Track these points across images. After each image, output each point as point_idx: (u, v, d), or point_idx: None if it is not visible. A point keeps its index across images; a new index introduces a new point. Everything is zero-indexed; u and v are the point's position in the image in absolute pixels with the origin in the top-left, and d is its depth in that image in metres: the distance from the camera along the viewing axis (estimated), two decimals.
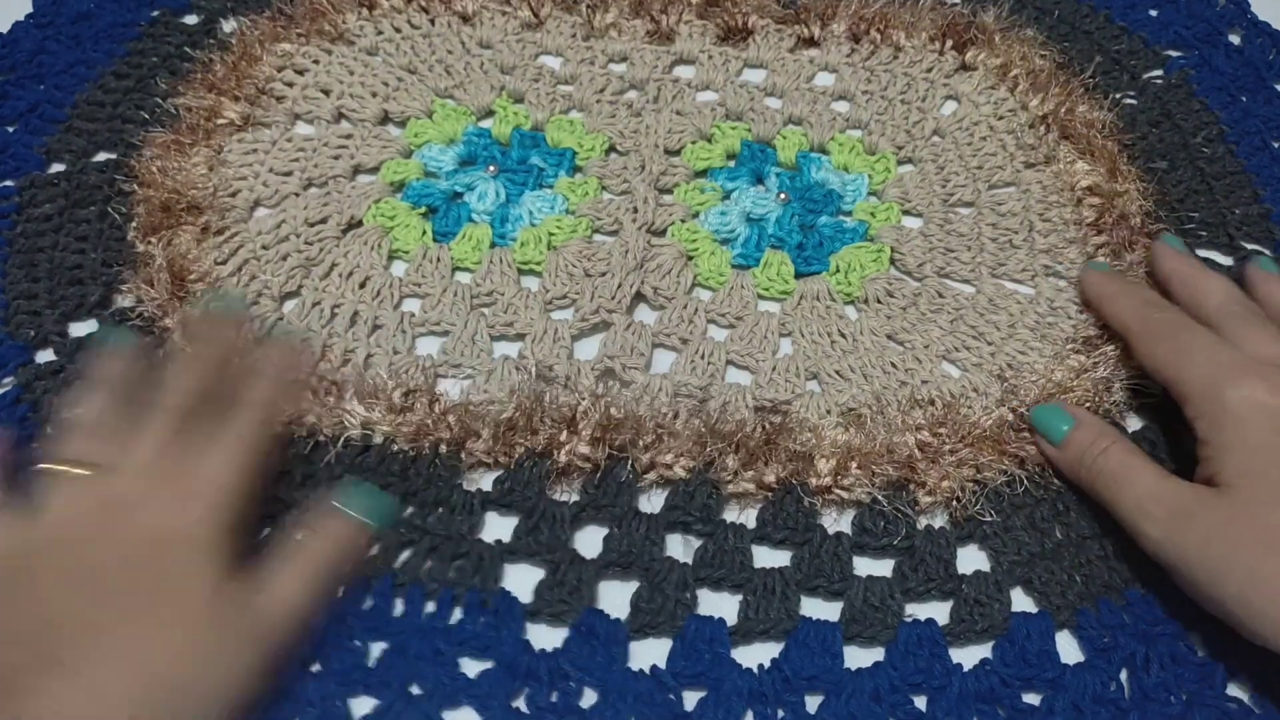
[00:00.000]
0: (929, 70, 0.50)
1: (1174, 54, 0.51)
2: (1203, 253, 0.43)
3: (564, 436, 0.36)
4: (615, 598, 0.34)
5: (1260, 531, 0.30)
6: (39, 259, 0.41)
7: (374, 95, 0.48)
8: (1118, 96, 0.49)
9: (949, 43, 0.51)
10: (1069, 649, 0.33)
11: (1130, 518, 0.33)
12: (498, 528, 0.35)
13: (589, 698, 0.31)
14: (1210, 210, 0.45)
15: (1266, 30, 0.52)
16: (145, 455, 0.31)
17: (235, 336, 0.35)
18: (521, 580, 0.34)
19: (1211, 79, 0.50)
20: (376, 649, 0.32)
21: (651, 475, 0.36)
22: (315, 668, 0.31)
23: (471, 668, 0.32)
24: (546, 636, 0.33)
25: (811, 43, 0.52)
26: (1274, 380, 0.32)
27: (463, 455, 0.36)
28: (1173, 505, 0.32)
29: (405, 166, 0.45)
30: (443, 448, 0.36)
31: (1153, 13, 0.53)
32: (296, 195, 0.43)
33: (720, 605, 0.34)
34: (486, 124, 0.48)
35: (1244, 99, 0.49)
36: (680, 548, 0.35)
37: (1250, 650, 0.31)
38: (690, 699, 0.32)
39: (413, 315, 0.40)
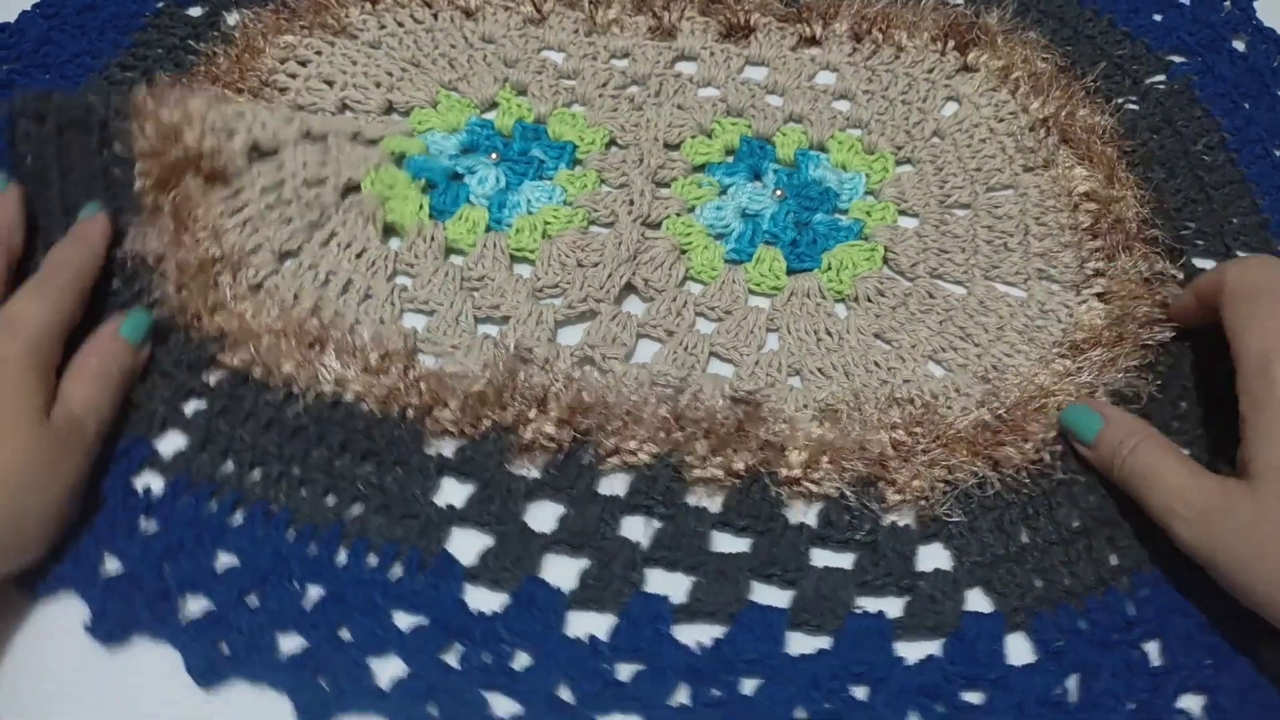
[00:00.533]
0: (930, 71, 0.50)
1: (1177, 59, 0.51)
2: (1199, 261, 0.43)
3: (532, 414, 0.36)
4: (563, 572, 0.34)
5: None
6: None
7: (378, 86, 0.48)
8: (1119, 101, 0.49)
9: (950, 44, 0.51)
10: (1022, 651, 0.33)
11: (1160, 517, 0.33)
12: (453, 493, 0.36)
13: (522, 660, 0.32)
14: (1208, 219, 0.45)
15: (1271, 36, 0.51)
16: None
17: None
18: (469, 546, 0.34)
19: (1214, 85, 0.49)
20: (315, 593, 0.33)
21: (615, 460, 0.36)
22: (251, 600, 0.32)
23: (404, 621, 0.33)
24: (486, 600, 0.33)
25: (813, 41, 0.52)
26: None
27: (428, 421, 0.37)
28: (1201, 504, 0.32)
29: (408, 142, 0.46)
30: (410, 412, 0.37)
31: (1157, 17, 0.53)
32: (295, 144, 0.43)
33: (672, 586, 0.34)
34: (490, 116, 0.48)
35: (1247, 106, 0.49)
36: (642, 529, 0.35)
37: (1213, 662, 0.32)
38: (626, 671, 0.32)
39: (404, 290, 0.41)
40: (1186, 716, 0.32)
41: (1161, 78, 0.50)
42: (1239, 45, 0.52)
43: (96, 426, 0.34)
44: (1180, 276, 0.41)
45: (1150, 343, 0.39)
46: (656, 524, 0.35)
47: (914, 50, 0.51)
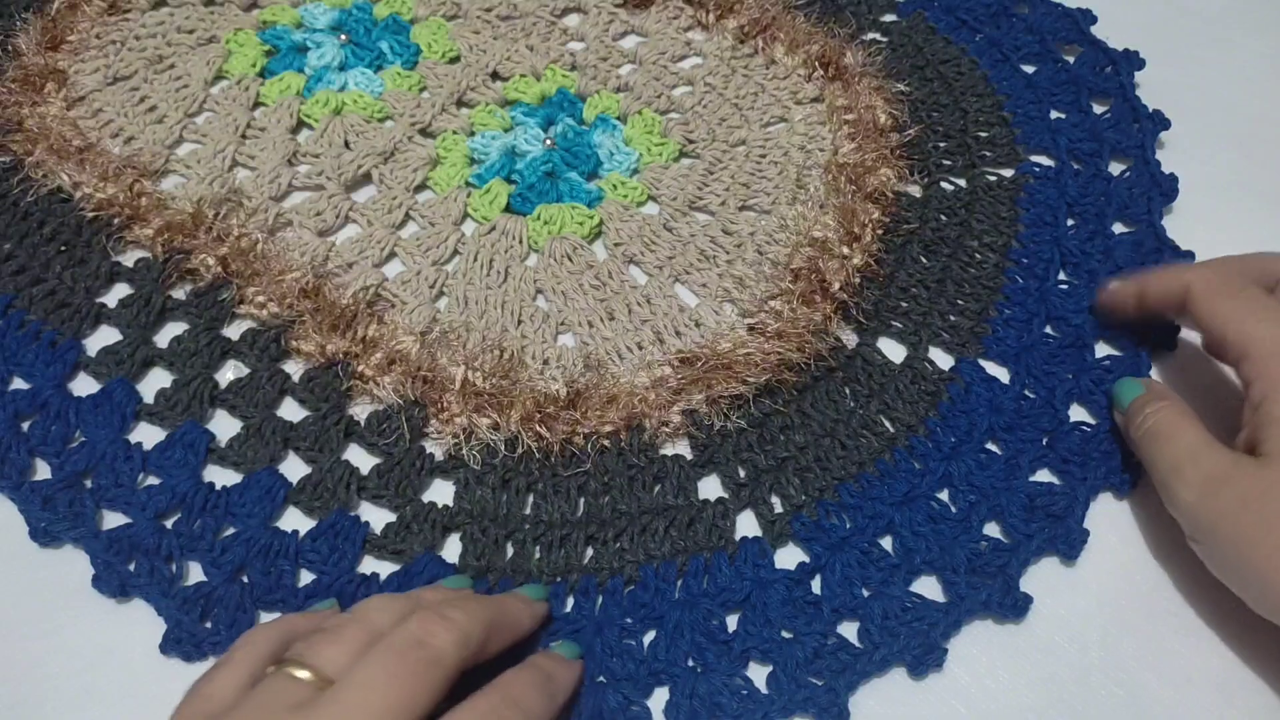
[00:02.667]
0: (781, 89, 0.50)
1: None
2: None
3: (205, 244, 0.42)
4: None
5: None
6: None
7: None
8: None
9: (819, 71, 0.50)
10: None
11: (1165, 477, 0.33)
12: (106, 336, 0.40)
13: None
14: (957, 132, 0.47)
15: None
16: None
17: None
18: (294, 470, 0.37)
19: (946, 18, 0.53)
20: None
21: (244, 308, 0.40)
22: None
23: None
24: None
25: (704, 28, 0.53)
26: None
27: (126, 234, 0.42)
28: (1209, 469, 0.32)
29: (284, 12, 0.52)
30: (116, 221, 0.43)
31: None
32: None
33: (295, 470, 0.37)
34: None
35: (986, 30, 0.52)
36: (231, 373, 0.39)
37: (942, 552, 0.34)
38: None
39: (193, 123, 0.48)
40: (920, 599, 0.33)
41: (893, 17, 0.53)
42: None
43: None
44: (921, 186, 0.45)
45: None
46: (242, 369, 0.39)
47: (785, 66, 0.51)
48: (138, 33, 0.50)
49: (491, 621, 0.29)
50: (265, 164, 0.46)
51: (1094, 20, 0.51)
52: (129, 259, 0.42)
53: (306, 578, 0.34)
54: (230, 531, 0.35)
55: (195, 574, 0.34)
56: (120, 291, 0.41)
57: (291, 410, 0.38)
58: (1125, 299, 0.39)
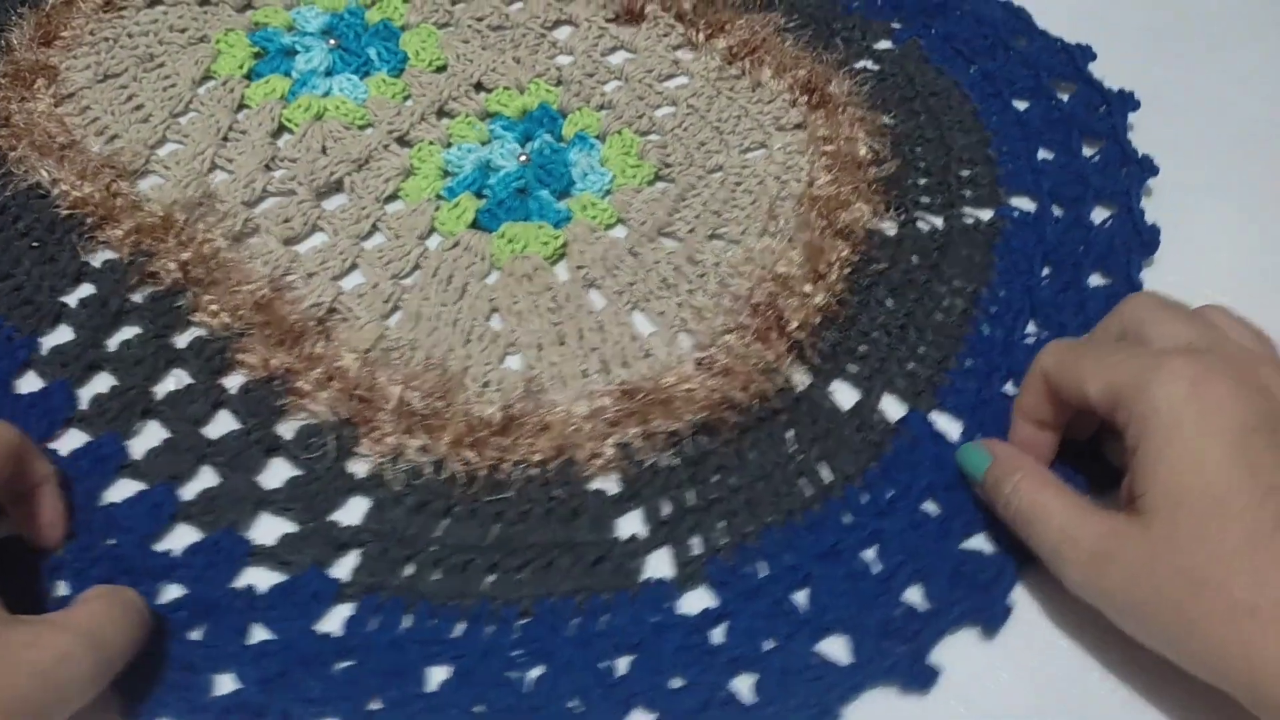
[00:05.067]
0: (765, 113, 0.49)
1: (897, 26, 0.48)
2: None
3: (169, 247, 0.42)
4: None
5: (1184, 573, 0.28)
6: None
7: None
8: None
9: (804, 96, 0.49)
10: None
11: (1048, 561, 0.32)
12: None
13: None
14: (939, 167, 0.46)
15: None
16: None
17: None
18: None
19: (941, 47, 0.51)
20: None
21: (198, 315, 0.40)
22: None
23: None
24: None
25: (693, 47, 0.52)
26: (1197, 369, 0.30)
27: (98, 234, 0.43)
28: (1090, 546, 0.30)
29: (276, 14, 0.53)
30: (89, 220, 0.44)
31: None
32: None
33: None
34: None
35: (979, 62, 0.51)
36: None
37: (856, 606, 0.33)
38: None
39: (177, 123, 0.48)
40: (822, 661, 0.32)
41: (888, 44, 0.52)
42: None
43: None
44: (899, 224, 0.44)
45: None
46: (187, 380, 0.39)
47: (771, 90, 0.50)
48: (130, 30, 0.51)
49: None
50: (242, 168, 0.46)
51: (1093, 57, 0.49)
52: (99, 259, 0.43)
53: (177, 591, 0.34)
54: (110, 542, 0.34)
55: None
56: (85, 292, 0.42)
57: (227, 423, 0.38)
58: (1021, 436, 0.36)
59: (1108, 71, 0.50)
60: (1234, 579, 0.28)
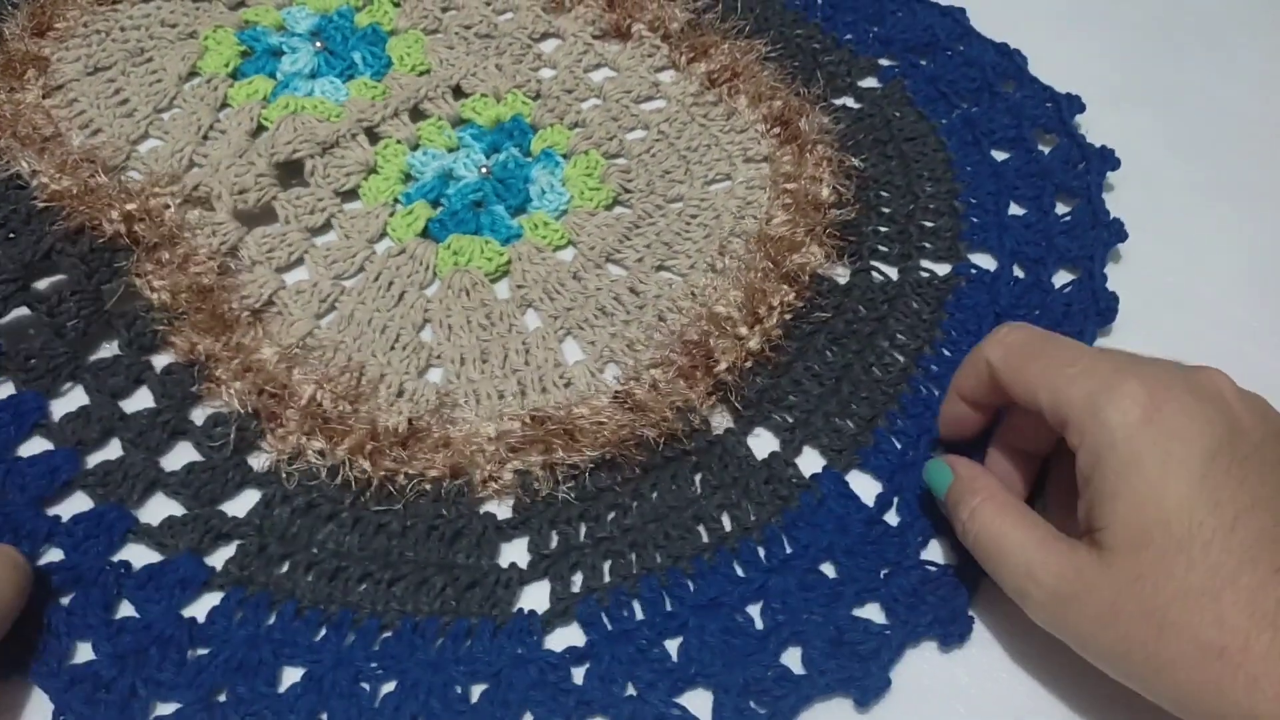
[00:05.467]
0: (734, 144, 0.48)
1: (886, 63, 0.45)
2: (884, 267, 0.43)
3: (127, 208, 0.42)
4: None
5: (1150, 615, 0.28)
6: None
7: None
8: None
9: (777, 128, 0.48)
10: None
11: (1012, 594, 0.31)
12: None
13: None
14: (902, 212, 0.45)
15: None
16: None
17: None
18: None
19: (926, 88, 0.50)
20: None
21: (138, 280, 0.40)
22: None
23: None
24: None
25: (676, 69, 0.51)
26: (1152, 388, 0.29)
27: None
28: (1052, 586, 0.29)
29: (267, 13, 0.53)
30: (65, 212, 0.44)
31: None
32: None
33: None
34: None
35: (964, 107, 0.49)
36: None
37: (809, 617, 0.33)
38: None
39: (160, 118, 0.49)
40: (786, 670, 0.32)
41: (873, 81, 0.50)
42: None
43: None
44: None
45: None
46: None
47: (745, 119, 0.49)
48: (123, 23, 0.52)
49: None
50: (215, 159, 0.46)
51: (1082, 109, 0.47)
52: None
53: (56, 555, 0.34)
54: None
55: None
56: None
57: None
58: (952, 413, 0.36)
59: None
60: (1200, 620, 0.27)
